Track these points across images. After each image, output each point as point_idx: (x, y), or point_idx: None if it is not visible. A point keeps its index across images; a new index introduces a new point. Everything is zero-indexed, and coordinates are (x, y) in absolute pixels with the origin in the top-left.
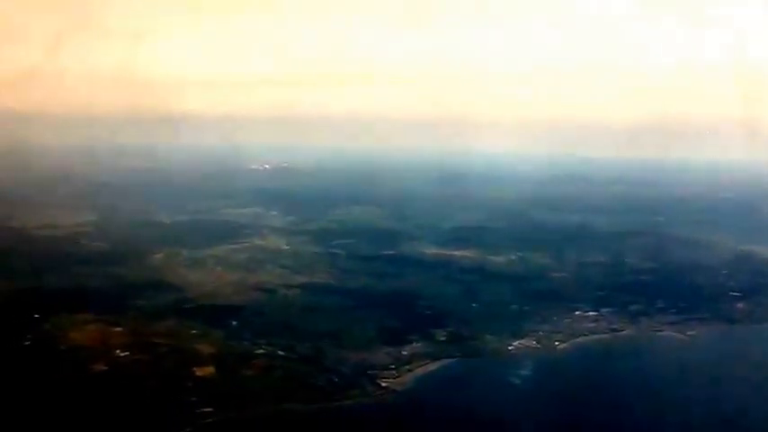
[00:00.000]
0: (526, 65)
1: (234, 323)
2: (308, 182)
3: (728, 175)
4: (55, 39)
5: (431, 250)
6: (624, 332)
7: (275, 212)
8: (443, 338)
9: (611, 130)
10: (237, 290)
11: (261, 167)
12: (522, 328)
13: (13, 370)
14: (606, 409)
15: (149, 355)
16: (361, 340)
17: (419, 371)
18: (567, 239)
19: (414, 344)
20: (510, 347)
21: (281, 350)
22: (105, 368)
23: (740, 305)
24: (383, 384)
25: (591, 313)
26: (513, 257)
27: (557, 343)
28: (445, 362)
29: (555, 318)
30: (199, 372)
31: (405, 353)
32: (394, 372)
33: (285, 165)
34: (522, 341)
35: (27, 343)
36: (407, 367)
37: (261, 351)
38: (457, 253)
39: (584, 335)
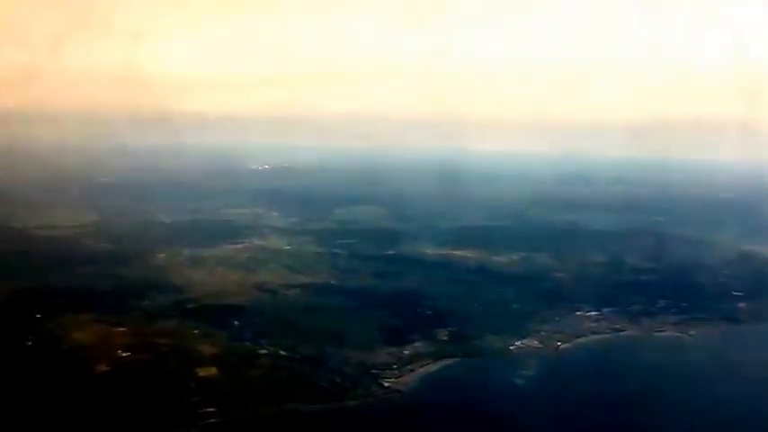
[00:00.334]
0: (526, 65)
1: (236, 323)
2: (308, 182)
3: (728, 175)
4: (55, 38)
5: (432, 250)
6: (626, 332)
7: (276, 213)
8: (445, 338)
9: (611, 130)
10: (239, 290)
11: (261, 167)
12: (524, 328)
13: (15, 370)
14: (609, 410)
15: (152, 356)
16: (364, 340)
17: (421, 371)
18: (568, 239)
19: (416, 344)
20: (512, 347)
21: (284, 350)
22: (108, 368)
23: (742, 305)
24: (386, 384)
25: (593, 313)
26: (515, 257)
27: (559, 343)
28: (447, 362)
29: (557, 318)
30: (201, 372)
31: (407, 353)
32: (396, 372)
33: (285, 165)
34: (524, 341)
35: (29, 343)
36: (410, 367)
37: (263, 351)
38: (458, 253)
39: (586, 335)
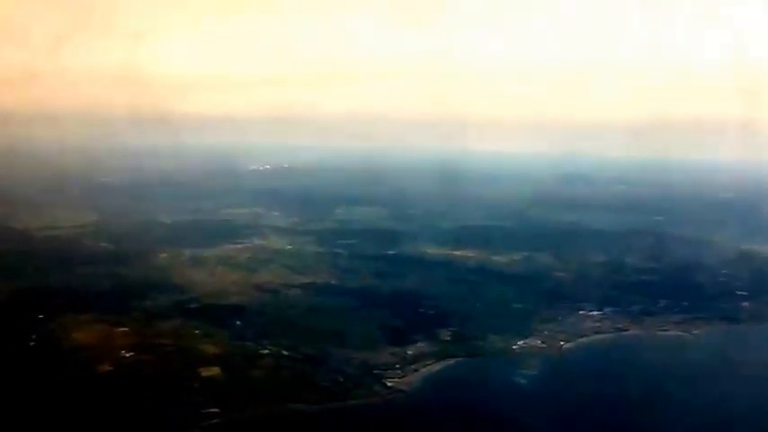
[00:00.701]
0: (526, 65)
1: (238, 323)
2: (308, 182)
3: (728, 175)
4: (55, 38)
5: (433, 250)
6: (629, 332)
7: (276, 213)
8: (448, 338)
9: (611, 130)
10: (241, 290)
11: (261, 167)
12: (527, 328)
13: (17, 371)
14: (613, 409)
15: (154, 356)
16: (366, 340)
17: (424, 370)
18: (569, 239)
19: (418, 344)
20: (515, 347)
21: (286, 350)
22: (110, 369)
23: (745, 304)
24: (389, 384)
25: (595, 313)
26: (516, 257)
27: (562, 342)
28: (450, 361)
29: (559, 317)
30: (204, 372)
31: (409, 353)
32: (399, 371)
33: (286, 165)
34: (527, 341)
35: (32, 343)
36: (413, 367)
37: (266, 351)
38: (459, 253)
39: (589, 334)
